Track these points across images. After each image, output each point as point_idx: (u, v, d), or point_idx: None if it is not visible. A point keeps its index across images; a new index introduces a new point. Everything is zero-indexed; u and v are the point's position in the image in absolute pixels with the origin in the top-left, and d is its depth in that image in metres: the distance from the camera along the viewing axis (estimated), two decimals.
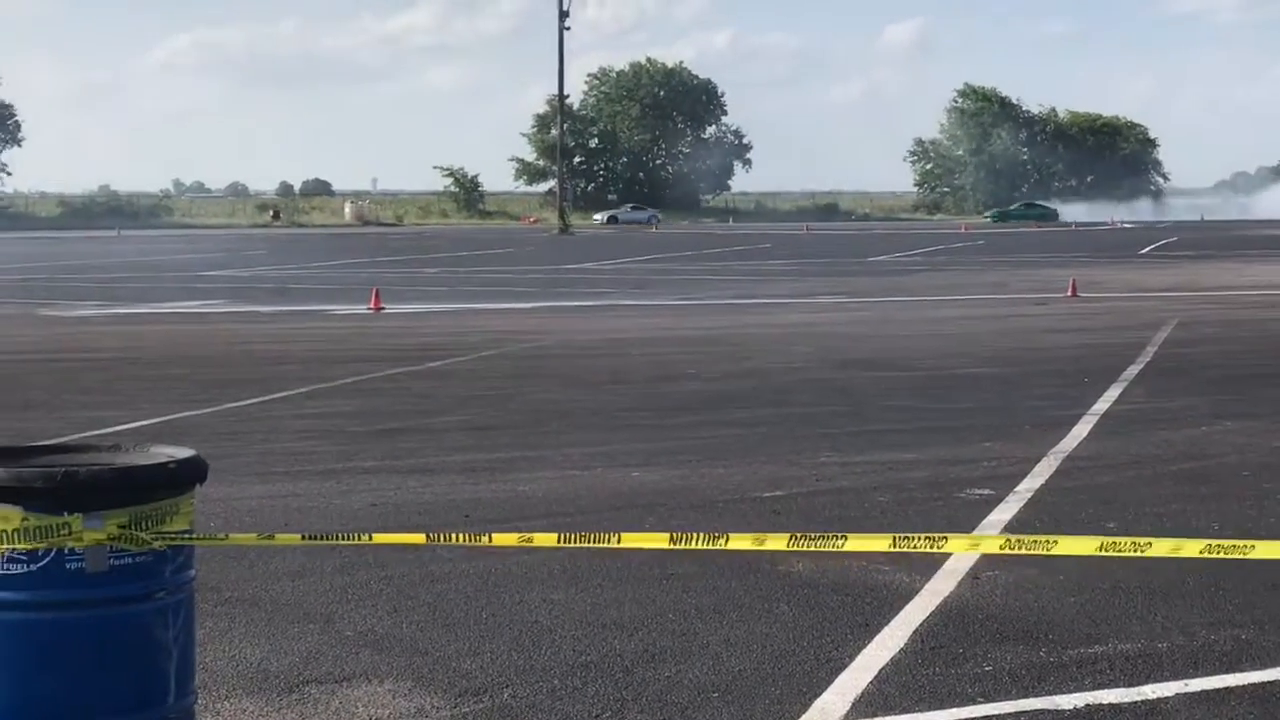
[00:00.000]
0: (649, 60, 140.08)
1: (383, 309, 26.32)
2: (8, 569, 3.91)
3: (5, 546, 3.89)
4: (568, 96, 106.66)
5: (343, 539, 4.33)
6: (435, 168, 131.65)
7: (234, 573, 7.31)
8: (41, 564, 3.91)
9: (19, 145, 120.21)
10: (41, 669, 3.94)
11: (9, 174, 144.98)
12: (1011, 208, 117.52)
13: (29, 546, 3.89)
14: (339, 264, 46.80)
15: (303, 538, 4.36)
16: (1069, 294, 29.18)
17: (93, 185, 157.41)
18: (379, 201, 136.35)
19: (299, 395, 14.58)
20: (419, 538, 4.27)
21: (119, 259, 50.18)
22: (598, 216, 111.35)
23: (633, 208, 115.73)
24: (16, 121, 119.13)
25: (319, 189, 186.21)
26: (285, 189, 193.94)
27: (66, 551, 3.91)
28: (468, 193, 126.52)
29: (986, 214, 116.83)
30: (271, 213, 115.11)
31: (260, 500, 9.27)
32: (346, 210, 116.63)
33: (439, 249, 59.86)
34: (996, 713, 5.43)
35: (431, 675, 5.84)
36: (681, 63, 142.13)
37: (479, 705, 5.50)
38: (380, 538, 4.23)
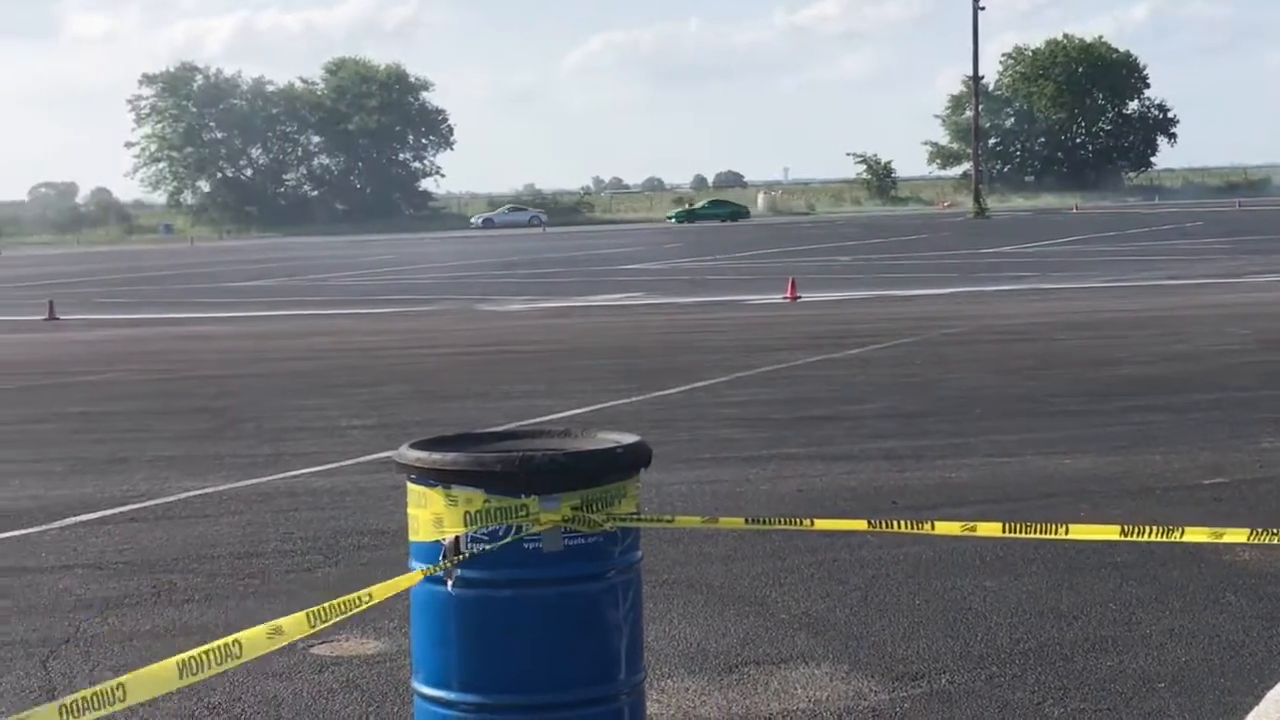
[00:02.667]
0: (1065, 36, 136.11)
1: (799, 297, 26.49)
2: (471, 548, 4.12)
3: (469, 527, 4.10)
4: (982, 77, 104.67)
5: (783, 523, 4.38)
6: (848, 154, 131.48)
7: (670, 556, 7.51)
8: (501, 543, 4.10)
9: (451, 149, 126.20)
10: (502, 643, 4.14)
11: (443, 176, 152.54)
12: (697, 206, 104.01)
13: (491, 527, 4.10)
14: (753, 254, 47.33)
15: (745, 521, 4.43)
16: None
17: (518, 184, 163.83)
18: (791, 191, 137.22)
19: (721, 384, 14.84)
20: (860, 524, 4.28)
21: (545, 255, 52.11)
22: (475, 220, 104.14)
23: (511, 208, 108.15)
24: (449, 126, 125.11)
25: (732, 181, 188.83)
26: (699, 182, 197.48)
27: (524, 532, 4.09)
28: (880, 179, 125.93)
29: (669, 215, 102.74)
30: (686, 205, 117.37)
31: (690, 485, 9.49)
32: (759, 201, 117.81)
33: (852, 236, 59.79)
34: None
35: (867, 659, 5.87)
36: (1100, 37, 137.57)
37: (916, 690, 5.50)
38: (821, 523, 4.27)
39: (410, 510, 4.22)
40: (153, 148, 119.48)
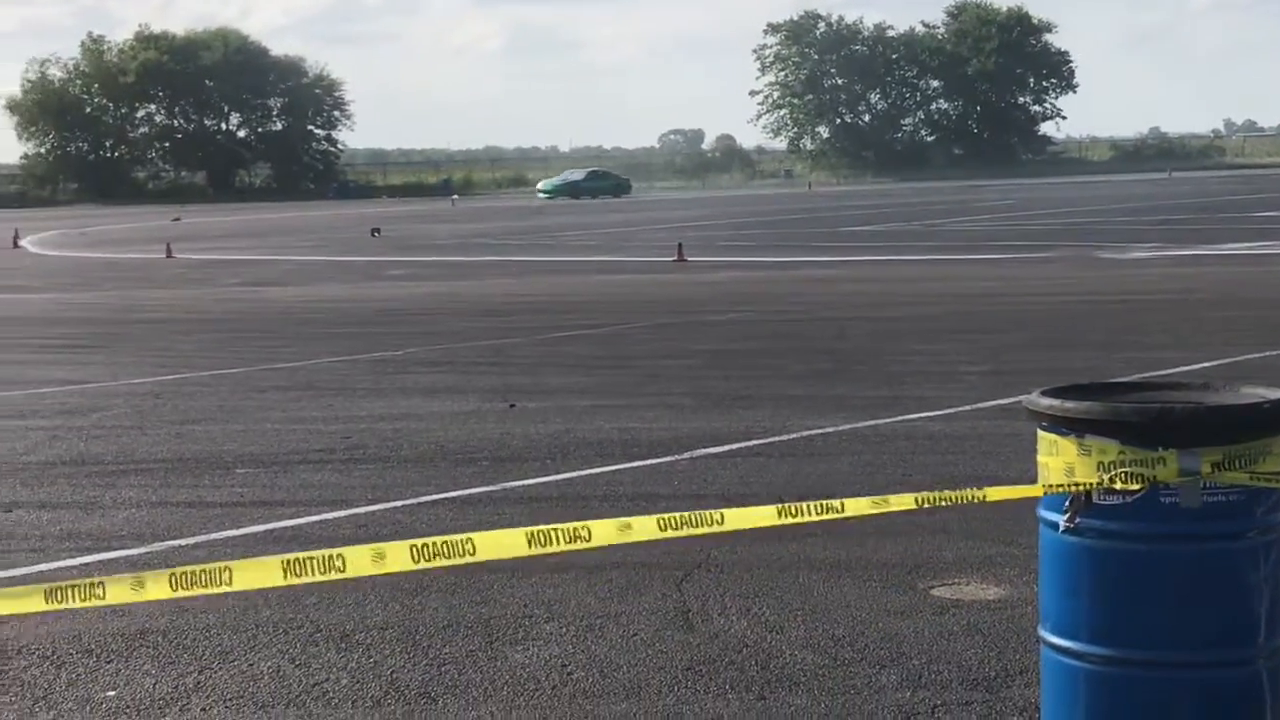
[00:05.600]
0: None
1: None
2: (1104, 499, 4.03)
3: (1104, 477, 4.02)
4: None
5: None
6: None
7: None
8: (1137, 497, 3.99)
9: (1073, 91, 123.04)
10: (1133, 597, 4.04)
11: (1063, 119, 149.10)
12: (577, 178, 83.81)
13: (1126, 479, 3.99)
14: None
15: None
16: None
17: (1143, 128, 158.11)
18: None
19: None
20: None
21: (1171, 201, 50.05)
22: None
23: (596, 174, 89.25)
24: (1070, 68, 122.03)
25: None
26: None
27: (1161, 486, 3.97)
28: None
29: (541, 189, 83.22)
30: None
31: None
32: None
33: None
34: None
35: None
36: None
37: None
38: None
39: (1040, 458, 4.17)
40: (775, 95, 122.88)
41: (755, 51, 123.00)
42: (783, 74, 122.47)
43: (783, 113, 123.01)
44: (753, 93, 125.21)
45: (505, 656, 5.59)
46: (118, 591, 3.50)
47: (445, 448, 9.83)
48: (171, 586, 3.56)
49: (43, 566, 7.00)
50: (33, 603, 3.40)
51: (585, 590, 6.42)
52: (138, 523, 7.91)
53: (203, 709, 5.13)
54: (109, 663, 5.64)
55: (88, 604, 3.42)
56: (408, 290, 24.35)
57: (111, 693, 5.32)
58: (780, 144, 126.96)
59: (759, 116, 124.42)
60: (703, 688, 5.18)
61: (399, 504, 8.21)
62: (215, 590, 3.53)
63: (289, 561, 3.51)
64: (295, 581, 3.50)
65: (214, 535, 7.57)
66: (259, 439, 10.35)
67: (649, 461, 9.20)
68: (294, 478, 9.05)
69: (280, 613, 6.18)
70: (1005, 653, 5.46)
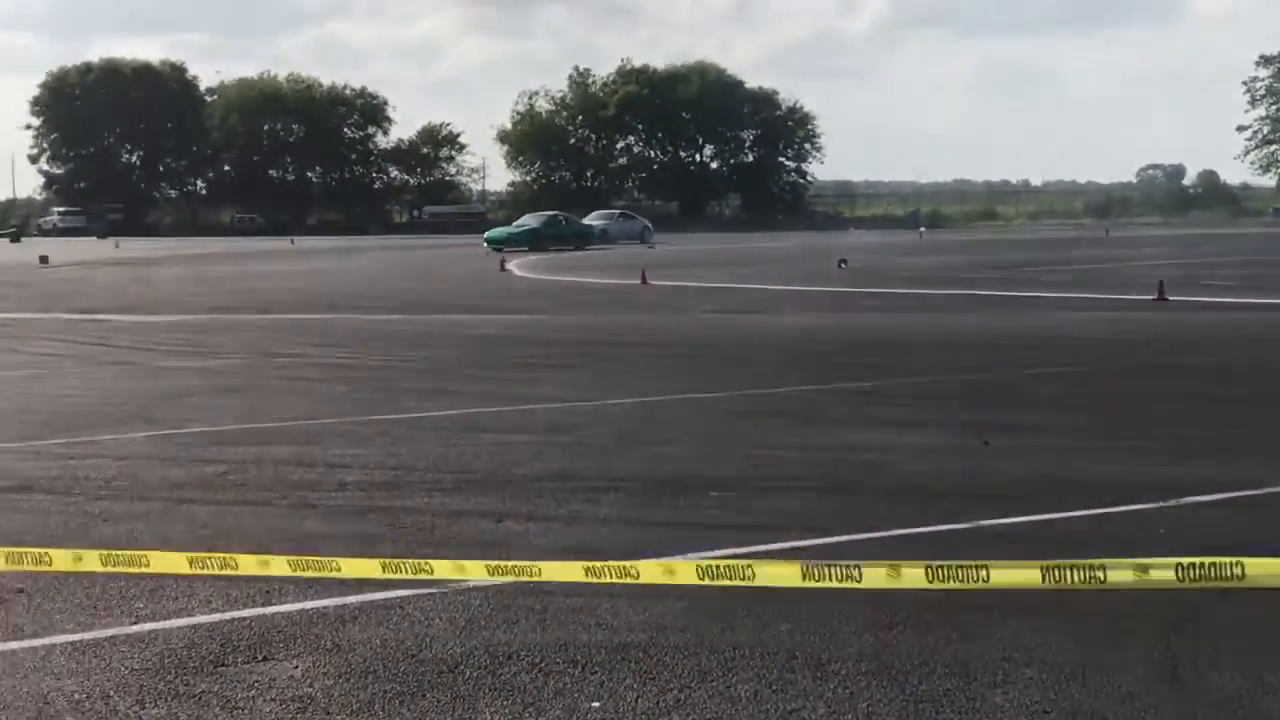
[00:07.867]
0: None
1: None
2: None
3: None
4: None
5: None
6: None
7: None
8: None
9: None
10: None
11: None
12: (535, 225, 67.80)
13: None
14: None
15: None
16: None
17: None
18: None
19: None
20: None
21: None
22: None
23: (622, 215, 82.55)
24: None
25: None
26: None
27: None
28: None
29: (488, 237, 66.84)
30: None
31: None
32: None
33: None
34: None
35: None
36: None
37: None
38: None
39: None
40: (1265, 130, 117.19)
41: (1245, 84, 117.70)
42: (1274, 108, 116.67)
43: (1273, 148, 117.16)
44: (1240, 127, 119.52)
45: (984, 698, 5.46)
46: (873, 576, 5.06)
47: (918, 482, 9.72)
48: (928, 578, 4.97)
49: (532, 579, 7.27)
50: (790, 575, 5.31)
51: (1066, 635, 6.21)
52: (618, 539, 8.13)
53: None
54: (593, 674, 5.80)
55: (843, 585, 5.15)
56: (876, 321, 24.32)
57: (596, 704, 5.47)
58: (1269, 181, 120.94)
59: (1246, 152, 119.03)
60: None
61: (872, 535, 8.16)
62: (972, 586, 5.00)
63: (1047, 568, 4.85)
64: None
65: (688, 555, 7.70)
66: (732, 463, 10.51)
67: (1131, 507, 8.84)
68: (766, 503, 9.13)
69: (755, 637, 6.23)
70: None
